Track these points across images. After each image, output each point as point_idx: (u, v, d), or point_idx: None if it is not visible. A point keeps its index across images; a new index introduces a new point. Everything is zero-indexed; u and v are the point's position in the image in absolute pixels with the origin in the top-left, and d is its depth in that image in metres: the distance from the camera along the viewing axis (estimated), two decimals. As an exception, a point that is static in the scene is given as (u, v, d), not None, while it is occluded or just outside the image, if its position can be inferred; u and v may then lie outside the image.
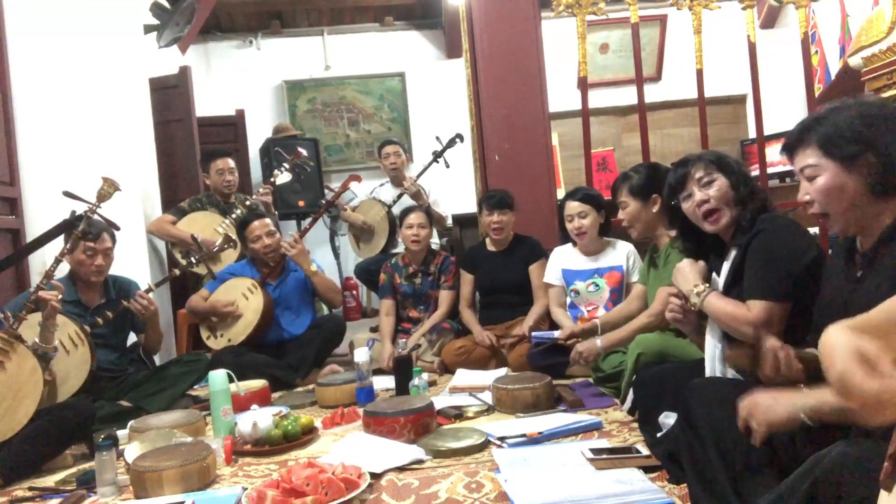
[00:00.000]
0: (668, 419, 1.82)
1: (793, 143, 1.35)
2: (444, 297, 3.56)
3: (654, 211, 2.48)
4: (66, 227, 2.57)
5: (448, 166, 4.36)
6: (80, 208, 2.59)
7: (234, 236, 3.63)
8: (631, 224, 2.54)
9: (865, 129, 1.23)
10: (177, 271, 3.26)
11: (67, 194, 2.57)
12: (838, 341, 0.83)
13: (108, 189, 2.61)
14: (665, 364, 2.13)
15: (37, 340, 2.32)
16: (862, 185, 1.24)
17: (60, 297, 2.39)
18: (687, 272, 1.76)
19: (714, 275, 1.80)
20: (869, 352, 0.80)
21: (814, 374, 1.30)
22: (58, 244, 2.63)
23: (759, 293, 1.56)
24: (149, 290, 2.93)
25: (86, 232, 2.56)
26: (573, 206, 2.97)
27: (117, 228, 2.75)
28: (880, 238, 1.24)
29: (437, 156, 4.33)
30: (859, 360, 0.79)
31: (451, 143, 4.31)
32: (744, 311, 1.57)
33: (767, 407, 1.17)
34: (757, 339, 1.50)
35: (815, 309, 1.42)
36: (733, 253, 1.71)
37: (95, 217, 2.61)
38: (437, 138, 4.34)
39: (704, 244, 1.85)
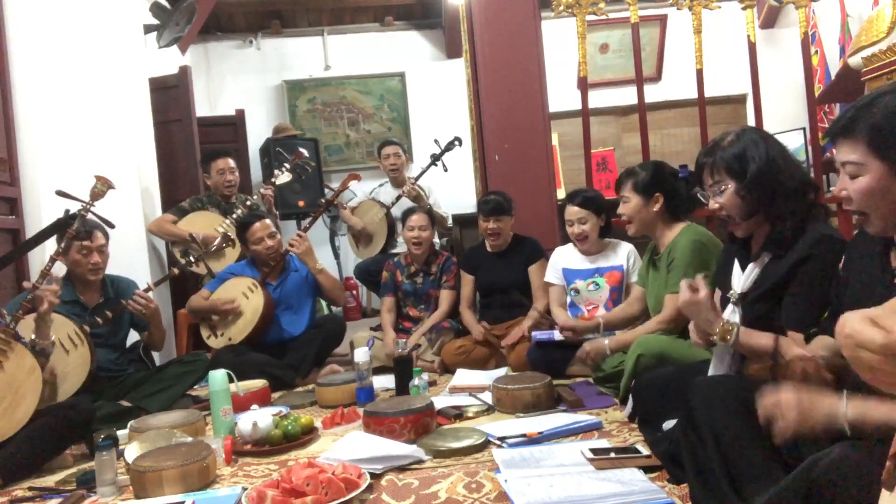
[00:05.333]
0: (671, 425, 1.81)
1: (838, 131, 1.21)
2: (445, 296, 3.56)
3: (654, 210, 2.47)
4: (61, 227, 2.56)
5: (446, 170, 4.36)
6: (75, 207, 2.59)
7: (233, 236, 3.63)
8: (630, 220, 2.52)
9: None
10: (176, 270, 3.26)
11: (61, 193, 2.56)
12: (850, 316, 0.84)
13: (102, 187, 2.61)
14: (665, 368, 2.11)
15: (33, 337, 2.32)
16: None
17: (59, 291, 2.37)
18: (700, 311, 1.59)
19: (737, 267, 1.71)
20: (879, 316, 0.81)
21: (844, 381, 1.24)
22: (56, 243, 2.63)
23: (805, 326, 1.48)
24: (148, 290, 2.93)
25: (77, 231, 2.55)
26: (573, 212, 2.95)
27: (112, 227, 2.75)
28: None
29: (436, 159, 4.33)
30: (868, 321, 0.81)
31: (450, 146, 4.31)
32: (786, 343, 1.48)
33: (804, 409, 1.08)
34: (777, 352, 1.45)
35: (839, 309, 1.33)
36: (766, 258, 1.61)
37: (89, 216, 2.61)
38: (436, 141, 4.34)
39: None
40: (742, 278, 1.67)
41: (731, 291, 1.69)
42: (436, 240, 4.42)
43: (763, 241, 1.65)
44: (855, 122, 1.17)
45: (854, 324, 0.82)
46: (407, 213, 3.61)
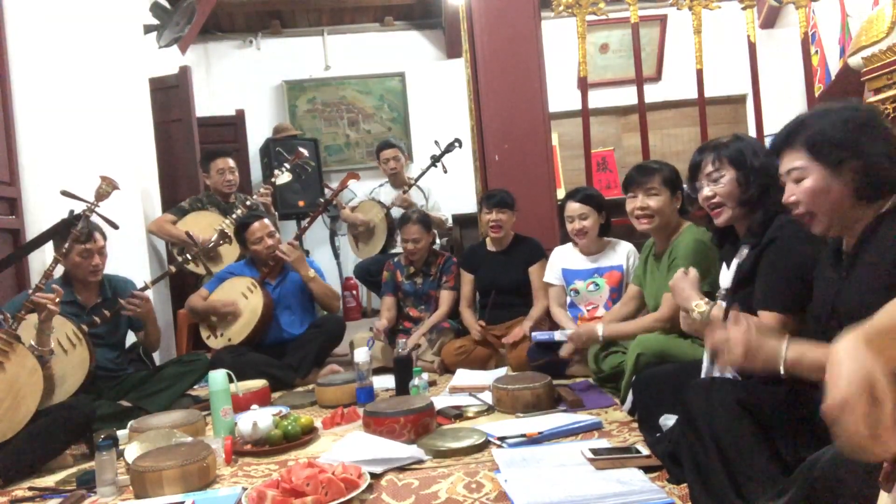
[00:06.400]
0: (669, 421, 1.81)
1: (780, 145, 1.37)
2: (445, 297, 3.56)
3: (675, 207, 2.44)
4: (65, 227, 2.56)
5: (446, 171, 4.35)
6: (79, 208, 2.59)
7: (230, 233, 3.63)
8: (654, 213, 2.40)
9: (851, 134, 1.26)
10: (172, 268, 3.26)
11: (66, 194, 2.57)
12: (853, 361, 0.80)
13: (107, 188, 2.62)
14: (665, 364, 2.12)
15: (33, 343, 2.32)
16: (847, 189, 1.27)
17: (59, 300, 2.38)
18: (683, 288, 1.74)
19: (724, 266, 1.77)
20: (878, 384, 0.77)
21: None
22: (54, 245, 2.63)
23: (770, 305, 1.55)
24: (145, 288, 2.93)
25: (77, 235, 2.56)
26: (574, 208, 2.96)
27: (116, 227, 2.75)
28: (861, 237, 1.28)
29: (435, 161, 4.32)
30: (867, 391, 0.77)
31: (450, 148, 4.30)
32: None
33: (750, 347, 1.20)
34: None
35: (810, 309, 1.43)
36: (744, 251, 1.70)
37: (94, 216, 2.61)
38: (436, 142, 4.34)
39: (724, 231, 1.85)
40: (728, 275, 1.74)
41: (719, 290, 1.73)
42: (437, 240, 4.42)
43: (742, 236, 1.75)
44: (793, 135, 1.34)
45: (851, 384, 0.78)
46: (401, 223, 3.61)
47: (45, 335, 2.35)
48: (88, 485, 1.97)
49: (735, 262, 1.73)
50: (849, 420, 0.77)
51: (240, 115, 5.79)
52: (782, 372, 1.19)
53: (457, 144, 4.28)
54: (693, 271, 1.77)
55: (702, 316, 1.66)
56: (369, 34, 6.44)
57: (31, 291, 2.41)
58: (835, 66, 5.29)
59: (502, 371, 3.11)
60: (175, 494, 1.82)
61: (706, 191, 1.77)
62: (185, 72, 4.56)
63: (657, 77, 6.27)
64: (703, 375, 1.71)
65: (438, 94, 6.15)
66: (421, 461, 1.96)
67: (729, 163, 1.74)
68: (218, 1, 5.39)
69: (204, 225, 3.82)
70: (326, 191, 5.29)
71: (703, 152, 1.82)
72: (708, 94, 3.92)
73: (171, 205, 4.11)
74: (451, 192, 4.80)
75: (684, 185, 2.47)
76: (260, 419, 2.20)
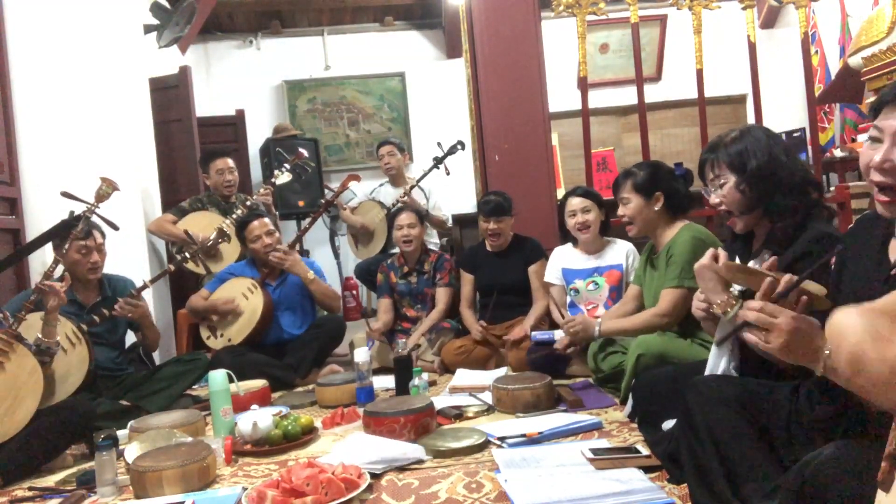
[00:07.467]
0: (670, 425, 1.80)
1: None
2: (441, 294, 3.56)
3: (655, 209, 2.45)
4: (65, 228, 2.57)
5: (448, 173, 4.35)
6: (79, 209, 2.59)
7: (228, 231, 3.62)
8: (631, 220, 2.49)
9: None
10: (171, 267, 3.26)
11: (66, 195, 2.57)
12: (849, 320, 0.77)
13: (107, 189, 2.62)
14: (665, 367, 2.10)
15: (39, 336, 2.33)
16: None
17: (66, 288, 2.40)
18: (710, 278, 1.55)
19: (737, 262, 1.67)
20: (882, 328, 0.74)
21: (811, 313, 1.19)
22: (53, 245, 2.63)
23: None
24: (143, 287, 2.93)
25: (76, 233, 2.56)
26: (575, 202, 2.97)
27: (116, 228, 2.75)
28: None
29: (438, 162, 4.33)
30: (873, 334, 0.74)
31: (453, 150, 4.30)
32: None
33: (797, 338, 1.02)
34: None
35: (835, 293, 1.32)
36: (766, 256, 1.59)
37: (94, 217, 2.62)
38: (439, 144, 4.35)
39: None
40: None
41: (732, 288, 1.68)
42: (435, 240, 4.43)
43: (764, 238, 1.67)
44: None
45: (857, 332, 0.75)
46: (394, 214, 3.61)
47: (51, 326, 2.36)
48: (88, 485, 1.97)
49: (753, 266, 1.60)
50: (866, 362, 0.74)
51: (240, 115, 5.79)
52: (819, 373, 1.01)
53: (459, 147, 4.27)
54: (723, 258, 1.57)
55: (727, 316, 1.51)
56: (369, 34, 6.44)
57: (31, 291, 2.41)
58: (835, 66, 5.30)
59: (502, 371, 3.10)
60: (175, 494, 1.82)
61: (713, 198, 1.69)
62: (185, 72, 4.56)
63: (657, 77, 6.27)
64: (707, 372, 1.70)
65: (438, 94, 6.16)
66: (421, 461, 1.96)
67: (728, 168, 1.64)
68: (218, 1, 5.38)
69: (204, 225, 3.82)
70: (327, 191, 5.28)
71: (706, 153, 1.73)
72: (708, 94, 3.92)
73: (171, 205, 4.11)
74: (452, 192, 4.80)
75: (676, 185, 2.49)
76: (260, 419, 2.20)
